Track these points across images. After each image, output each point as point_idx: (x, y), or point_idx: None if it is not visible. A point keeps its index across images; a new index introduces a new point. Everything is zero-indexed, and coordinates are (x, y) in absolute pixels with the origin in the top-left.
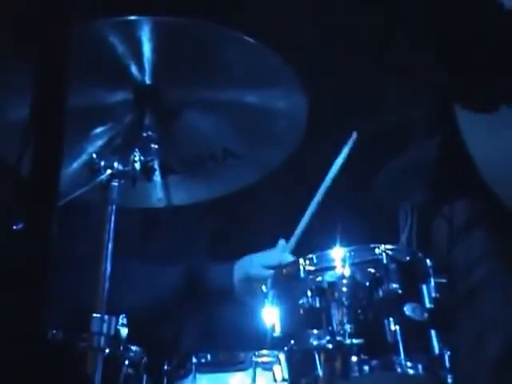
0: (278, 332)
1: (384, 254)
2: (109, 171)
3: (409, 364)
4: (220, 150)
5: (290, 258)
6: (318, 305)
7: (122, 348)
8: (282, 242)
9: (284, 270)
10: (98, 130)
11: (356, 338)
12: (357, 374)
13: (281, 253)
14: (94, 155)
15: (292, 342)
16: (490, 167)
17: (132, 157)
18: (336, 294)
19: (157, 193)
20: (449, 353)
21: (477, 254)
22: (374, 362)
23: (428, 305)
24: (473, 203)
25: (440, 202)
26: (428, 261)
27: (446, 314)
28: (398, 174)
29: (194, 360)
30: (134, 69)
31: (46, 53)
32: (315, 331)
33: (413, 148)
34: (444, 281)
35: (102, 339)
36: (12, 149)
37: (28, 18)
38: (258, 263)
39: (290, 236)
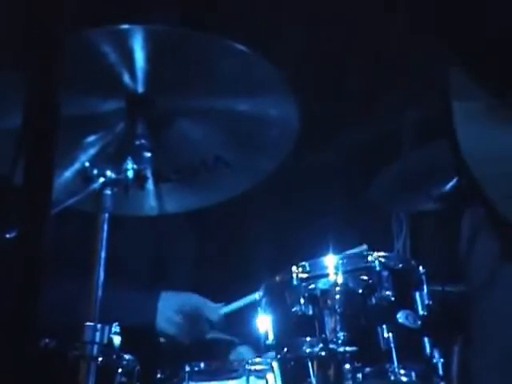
0: (271, 339)
1: (377, 262)
2: (101, 179)
3: (402, 371)
4: (212, 157)
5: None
6: (311, 312)
7: (115, 356)
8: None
9: (277, 278)
10: (91, 138)
11: (349, 345)
12: (350, 382)
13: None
14: (87, 163)
15: (285, 349)
16: (482, 168)
17: (125, 165)
18: (329, 302)
19: (149, 201)
20: (442, 360)
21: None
22: (367, 370)
23: (421, 312)
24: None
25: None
26: (421, 268)
27: (439, 321)
28: (392, 181)
29: (188, 368)
30: (126, 77)
31: (38, 62)
32: (308, 339)
33: (409, 153)
34: (439, 288)
35: (95, 348)
36: (4, 157)
37: (20, 29)
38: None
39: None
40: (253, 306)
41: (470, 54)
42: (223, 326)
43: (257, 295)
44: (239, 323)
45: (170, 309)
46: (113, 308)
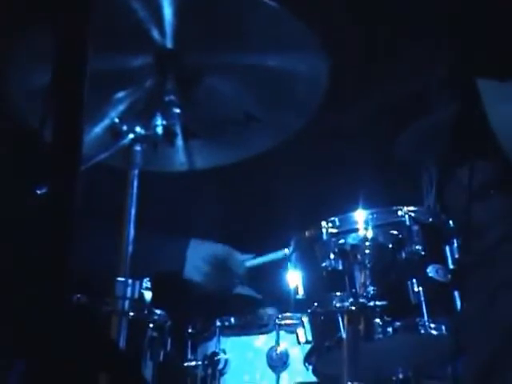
0: (301, 295)
1: (407, 216)
2: (131, 135)
3: (432, 325)
4: (240, 114)
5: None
6: (340, 267)
7: (146, 311)
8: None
9: (307, 233)
10: (120, 94)
11: (379, 300)
12: (380, 335)
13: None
14: (116, 120)
15: (315, 304)
16: (506, 132)
17: (154, 121)
18: (359, 257)
19: (179, 157)
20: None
21: (492, 216)
22: (397, 324)
23: (451, 266)
24: (489, 166)
25: (454, 164)
26: (451, 222)
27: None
28: (420, 136)
29: (218, 323)
30: (155, 33)
31: (67, 18)
32: (338, 293)
33: (435, 111)
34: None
35: (127, 303)
36: (35, 114)
37: None
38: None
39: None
40: (280, 263)
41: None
42: (247, 279)
43: (285, 251)
44: (266, 280)
45: (198, 256)
46: (142, 254)
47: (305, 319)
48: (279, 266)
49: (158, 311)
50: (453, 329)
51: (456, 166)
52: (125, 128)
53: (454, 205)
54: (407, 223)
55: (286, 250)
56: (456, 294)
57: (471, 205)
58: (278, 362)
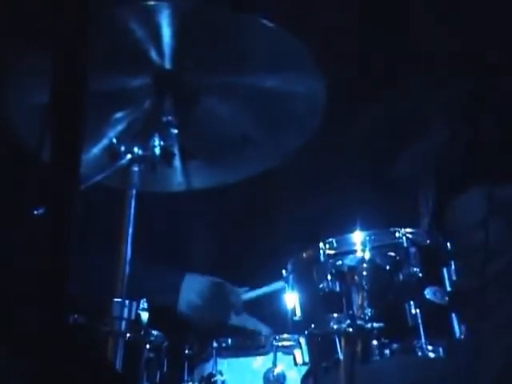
0: (298, 316)
1: (404, 238)
2: (129, 156)
3: (429, 347)
4: (238, 134)
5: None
6: (338, 289)
7: (142, 332)
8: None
9: (304, 254)
10: (118, 114)
11: (376, 321)
12: (377, 357)
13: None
14: (115, 140)
15: (312, 325)
16: None
17: (152, 142)
18: (356, 278)
19: (176, 177)
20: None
21: (499, 242)
22: (394, 346)
23: (449, 288)
24: (491, 192)
25: (455, 189)
26: (448, 244)
27: (465, 297)
28: (418, 158)
29: (215, 344)
30: (153, 54)
31: (66, 39)
32: (335, 315)
33: (434, 132)
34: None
35: (123, 323)
36: (33, 134)
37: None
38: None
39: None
40: (275, 295)
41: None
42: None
43: (280, 283)
44: (263, 302)
45: (192, 291)
46: (137, 283)
47: (302, 341)
48: (275, 296)
49: (154, 332)
50: (454, 352)
51: (460, 190)
52: (123, 148)
53: (457, 229)
54: (405, 245)
55: (281, 283)
56: (453, 316)
57: (476, 230)
58: None
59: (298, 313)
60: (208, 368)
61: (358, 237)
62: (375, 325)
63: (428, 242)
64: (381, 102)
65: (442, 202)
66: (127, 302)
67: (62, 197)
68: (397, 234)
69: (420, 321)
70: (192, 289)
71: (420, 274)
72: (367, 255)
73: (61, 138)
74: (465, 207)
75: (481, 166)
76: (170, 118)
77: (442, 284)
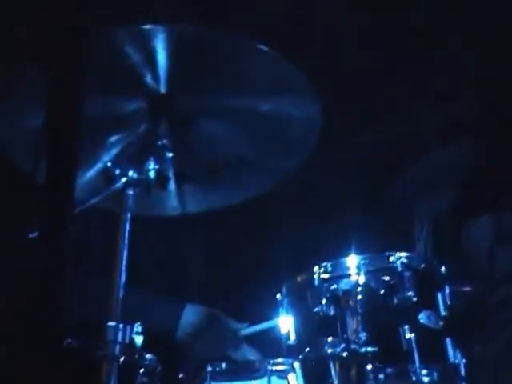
0: (292, 340)
1: (398, 262)
2: (124, 179)
3: (424, 372)
4: (234, 157)
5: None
6: (332, 313)
7: (137, 356)
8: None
9: (299, 278)
10: (113, 138)
11: (371, 346)
12: (372, 382)
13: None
14: (109, 163)
15: (307, 349)
16: None
17: (147, 165)
18: (351, 302)
19: (171, 201)
20: (464, 361)
21: (507, 268)
22: (389, 371)
23: (443, 312)
24: (499, 219)
25: (476, 211)
26: (443, 268)
27: (461, 322)
28: (415, 183)
29: (209, 368)
30: (148, 77)
31: (60, 62)
32: (330, 339)
33: (433, 154)
34: (468, 289)
35: (117, 347)
36: (27, 157)
37: (43, 28)
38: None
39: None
40: (273, 331)
41: None
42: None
43: (276, 321)
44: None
45: (192, 322)
46: (135, 311)
47: (296, 365)
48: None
49: (148, 356)
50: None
51: (468, 217)
52: (118, 172)
53: (475, 250)
54: (399, 269)
55: (277, 321)
56: (448, 340)
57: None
58: None
59: (293, 336)
60: None
61: (352, 261)
62: (369, 349)
63: (422, 266)
64: (379, 125)
65: (445, 227)
66: (121, 325)
67: (57, 220)
68: (391, 258)
69: (414, 345)
70: (192, 319)
71: (414, 298)
72: (362, 279)
73: (56, 161)
74: (473, 235)
75: (489, 192)
76: (165, 141)
77: (436, 308)
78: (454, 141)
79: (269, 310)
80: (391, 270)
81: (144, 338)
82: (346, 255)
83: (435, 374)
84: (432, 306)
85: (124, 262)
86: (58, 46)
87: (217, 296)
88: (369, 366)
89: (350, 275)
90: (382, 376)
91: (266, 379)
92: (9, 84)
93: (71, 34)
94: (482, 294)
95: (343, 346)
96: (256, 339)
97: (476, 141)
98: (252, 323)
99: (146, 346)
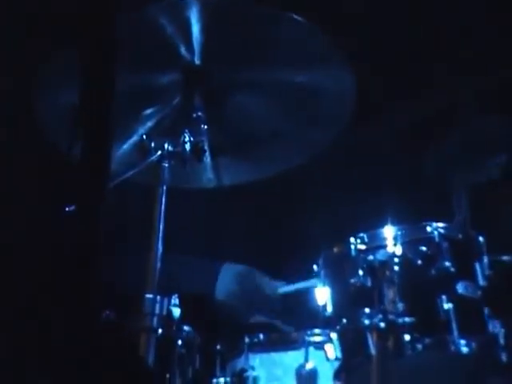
0: (329, 311)
1: (436, 232)
2: (159, 152)
3: (462, 342)
4: (268, 130)
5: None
6: (369, 283)
7: (174, 328)
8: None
9: (335, 249)
10: (148, 111)
11: (408, 316)
12: (410, 352)
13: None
14: (145, 136)
15: (344, 320)
16: None
17: (182, 138)
18: (387, 273)
19: (207, 173)
20: (503, 330)
21: None
22: (427, 341)
23: (481, 282)
24: None
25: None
26: (481, 238)
27: (500, 292)
28: (453, 152)
29: (247, 340)
30: (183, 50)
31: (95, 38)
32: (367, 310)
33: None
34: (506, 258)
35: (155, 319)
36: (63, 133)
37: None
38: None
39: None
40: (309, 291)
41: None
42: (280, 308)
43: (314, 281)
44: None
45: (229, 281)
46: (174, 276)
47: (333, 336)
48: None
49: (186, 328)
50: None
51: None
52: (153, 145)
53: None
54: (436, 239)
55: (316, 280)
56: (486, 310)
57: None
58: (307, 379)
59: (330, 308)
60: (240, 363)
61: (388, 231)
62: (407, 319)
63: (460, 236)
64: (416, 98)
65: (484, 198)
66: (159, 297)
67: (93, 194)
68: (428, 229)
69: (452, 315)
70: (230, 277)
71: (452, 269)
72: (398, 250)
73: (91, 135)
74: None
75: None
76: (199, 113)
77: (474, 278)
78: (492, 113)
79: (306, 276)
80: (428, 240)
81: (183, 309)
82: (383, 226)
83: (474, 344)
84: (470, 276)
85: (161, 235)
86: (90, 22)
87: (255, 258)
88: (406, 337)
89: (386, 246)
90: (419, 346)
91: (303, 350)
92: (42, 61)
93: (102, 8)
94: None
95: (380, 316)
96: (293, 311)
97: None
98: (288, 283)
99: (185, 317)
